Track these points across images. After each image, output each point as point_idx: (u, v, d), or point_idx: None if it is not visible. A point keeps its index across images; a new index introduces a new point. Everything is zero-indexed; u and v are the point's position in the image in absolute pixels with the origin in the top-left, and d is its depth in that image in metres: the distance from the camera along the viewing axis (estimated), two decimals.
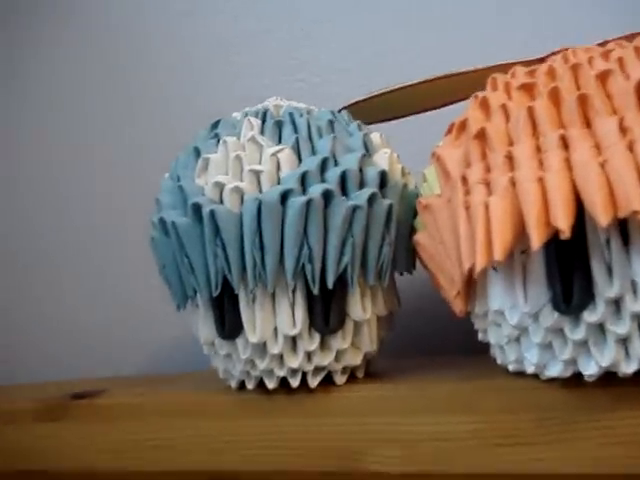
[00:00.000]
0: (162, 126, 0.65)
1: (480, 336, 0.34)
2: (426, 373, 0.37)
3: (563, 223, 0.26)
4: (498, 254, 0.27)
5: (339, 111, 0.40)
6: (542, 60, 0.35)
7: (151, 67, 0.68)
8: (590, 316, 0.28)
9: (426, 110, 0.41)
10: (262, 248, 0.33)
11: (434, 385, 0.34)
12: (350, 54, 0.60)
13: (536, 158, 0.28)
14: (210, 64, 0.65)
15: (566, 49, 0.35)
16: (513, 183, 0.28)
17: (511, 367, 0.33)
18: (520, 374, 0.32)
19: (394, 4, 0.59)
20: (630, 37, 0.35)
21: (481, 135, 0.31)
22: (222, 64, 0.65)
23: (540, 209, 0.27)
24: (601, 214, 0.25)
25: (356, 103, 0.40)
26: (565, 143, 0.28)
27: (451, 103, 0.40)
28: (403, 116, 0.42)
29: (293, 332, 0.34)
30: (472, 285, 0.32)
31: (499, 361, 0.34)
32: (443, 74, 0.37)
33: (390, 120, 0.42)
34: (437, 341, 0.46)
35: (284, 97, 0.40)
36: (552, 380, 0.31)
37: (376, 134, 0.38)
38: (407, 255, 0.37)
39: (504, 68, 0.35)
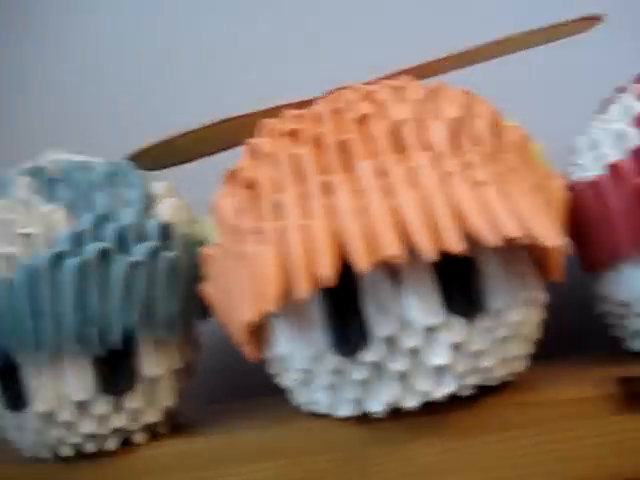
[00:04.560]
0: None
1: (276, 379, 0.34)
2: (231, 421, 0.36)
3: (327, 271, 0.26)
4: (269, 305, 0.27)
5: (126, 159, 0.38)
6: (313, 102, 0.35)
7: None
8: (368, 356, 0.29)
9: (210, 154, 0.41)
10: (39, 315, 0.31)
11: (239, 433, 0.33)
12: None
13: (301, 205, 0.28)
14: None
15: (338, 89, 0.35)
16: (281, 231, 0.28)
17: (305, 409, 0.33)
18: (317, 414, 0.33)
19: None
20: (396, 75, 0.36)
21: (251, 184, 0.31)
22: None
23: (305, 258, 0.27)
24: (360, 260, 0.26)
25: (141, 151, 0.39)
26: (328, 189, 0.28)
27: (232, 147, 0.39)
28: (188, 161, 0.41)
29: (82, 397, 0.32)
30: (259, 332, 0.32)
31: (294, 403, 0.34)
32: (222, 119, 0.37)
33: (174, 166, 0.41)
34: (247, 382, 0.45)
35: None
36: (346, 419, 0.31)
37: (160, 183, 0.37)
38: (200, 303, 0.36)
39: (278, 111, 0.35)
